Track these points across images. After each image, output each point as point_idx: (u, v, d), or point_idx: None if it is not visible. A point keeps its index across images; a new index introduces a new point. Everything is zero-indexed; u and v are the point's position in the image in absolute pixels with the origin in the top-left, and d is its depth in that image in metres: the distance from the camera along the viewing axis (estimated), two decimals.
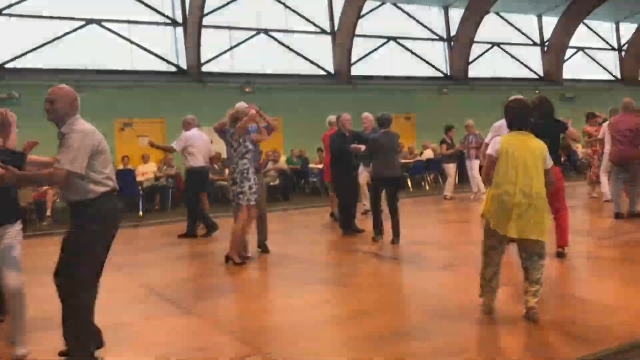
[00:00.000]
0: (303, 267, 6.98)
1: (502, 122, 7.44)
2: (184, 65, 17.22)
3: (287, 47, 18.80)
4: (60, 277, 3.92)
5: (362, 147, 8.78)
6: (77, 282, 3.92)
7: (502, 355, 4.04)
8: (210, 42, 17.39)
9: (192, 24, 16.70)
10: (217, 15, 17.57)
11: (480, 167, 16.99)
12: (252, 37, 18.22)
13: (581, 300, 5.22)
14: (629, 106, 9.62)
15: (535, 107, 6.56)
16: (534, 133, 4.87)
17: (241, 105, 7.73)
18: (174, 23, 17.29)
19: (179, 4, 17.24)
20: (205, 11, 16.62)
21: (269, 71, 18.50)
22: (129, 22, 16.62)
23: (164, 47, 17.24)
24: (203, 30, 16.66)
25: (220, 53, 17.69)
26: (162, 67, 17.15)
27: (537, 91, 20.54)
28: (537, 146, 4.65)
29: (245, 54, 18.24)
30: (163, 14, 17.14)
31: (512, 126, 4.73)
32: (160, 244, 9.22)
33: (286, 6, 18.77)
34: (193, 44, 16.71)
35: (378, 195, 8.46)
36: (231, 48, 17.93)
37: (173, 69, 17.28)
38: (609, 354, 3.91)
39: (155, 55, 16.96)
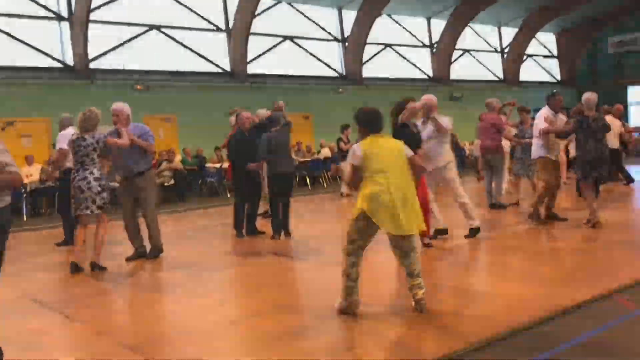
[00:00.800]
0: (197, 270, 6.85)
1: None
2: (70, 62, 16.38)
3: (181, 44, 18.37)
4: None
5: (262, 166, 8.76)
6: None
7: (390, 349, 4.16)
8: (99, 38, 16.65)
9: (78, 19, 15.90)
10: (106, 10, 16.84)
11: None
12: (143, 33, 17.64)
13: (464, 290, 5.48)
14: (490, 105, 10.74)
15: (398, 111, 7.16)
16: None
17: (118, 105, 7.42)
18: (58, 17, 16.40)
19: None
20: (93, 5, 15.88)
21: (162, 69, 17.98)
22: (8, 15, 15.56)
23: (48, 43, 16.29)
24: (91, 26, 15.92)
25: (109, 49, 16.99)
26: (47, 63, 16.21)
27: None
28: (395, 145, 4.95)
29: (137, 51, 17.63)
30: (46, 8, 16.20)
31: (370, 131, 4.90)
32: (44, 249, 8.72)
33: (179, 3, 18.33)
34: (80, 40, 15.93)
35: (277, 193, 8.52)
36: (121, 44, 17.26)
37: (58, 65, 16.39)
38: (490, 342, 4.13)
39: (39, 50, 16.00)
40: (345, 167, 4.79)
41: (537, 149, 8.64)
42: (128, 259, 7.43)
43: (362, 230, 4.77)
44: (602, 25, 28.64)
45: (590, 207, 8.19)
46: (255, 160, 8.67)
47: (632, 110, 27.24)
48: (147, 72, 17.45)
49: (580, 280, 5.59)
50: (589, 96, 8.23)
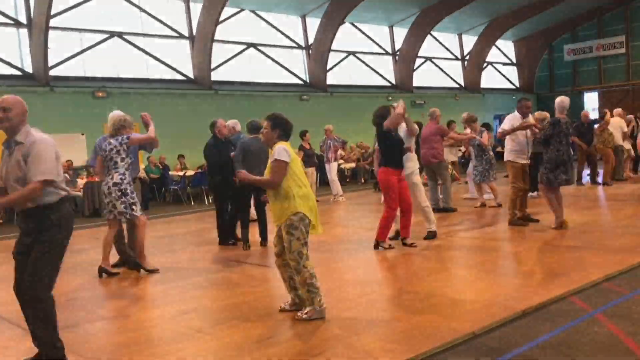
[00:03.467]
0: (163, 278, 6.81)
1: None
2: (29, 69, 16.08)
3: (144, 51, 18.20)
4: (30, 285, 3.94)
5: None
6: (47, 287, 4.00)
7: (358, 353, 4.20)
8: (60, 45, 16.39)
9: (37, 26, 15.63)
10: (66, 16, 16.59)
11: (342, 170, 17.78)
12: (104, 40, 17.42)
13: (426, 295, 5.56)
14: (432, 114, 11.03)
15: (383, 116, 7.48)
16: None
17: (116, 113, 7.45)
18: (17, 24, 16.09)
19: (22, 4, 16.05)
20: (53, 12, 15.62)
21: (124, 76, 17.78)
22: None
23: (7, 50, 15.96)
24: (51, 32, 15.65)
25: (70, 56, 16.73)
26: (5, 70, 15.88)
27: (390, 98, 21.65)
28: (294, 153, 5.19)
29: (99, 58, 17.40)
30: (5, 14, 15.88)
31: (284, 136, 5.10)
32: (4, 258, 8.51)
33: (142, 9, 18.16)
34: (39, 47, 15.65)
35: (248, 202, 8.55)
36: (82, 51, 17.01)
37: (17, 72, 16.07)
38: (452, 345, 4.23)
39: None
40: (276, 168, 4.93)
41: (506, 153, 8.97)
42: (114, 266, 7.34)
43: (308, 230, 4.95)
44: (558, 33, 29.43)
45: (554, 210, 8.44)
46: (232, 170, 8.69)
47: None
48: (108, 80, 17.24)
49: (537, 283, 5.74)
50: (562, 100, 8.56)
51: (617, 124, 14.49)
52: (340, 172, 17.26)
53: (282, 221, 4.91)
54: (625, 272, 5.98)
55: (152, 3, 18.40)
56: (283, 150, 4.92)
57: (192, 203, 15.38)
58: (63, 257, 4.14)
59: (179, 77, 18.98)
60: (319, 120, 17.88)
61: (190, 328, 4.92)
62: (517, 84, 30.61)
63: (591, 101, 28.65)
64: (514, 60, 30.77)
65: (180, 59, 19.01)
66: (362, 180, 19.03)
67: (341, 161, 17.83)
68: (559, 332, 4.41)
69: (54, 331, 4.07)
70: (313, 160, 14.54)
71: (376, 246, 7.71)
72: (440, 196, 11.12)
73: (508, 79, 30.41)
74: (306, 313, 4.91)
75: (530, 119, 9.06)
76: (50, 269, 4.01)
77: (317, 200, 13.78)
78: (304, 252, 4.90)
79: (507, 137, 8.83)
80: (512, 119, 8.82)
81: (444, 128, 11.11)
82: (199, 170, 15.46)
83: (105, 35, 17.42)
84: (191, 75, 19.12)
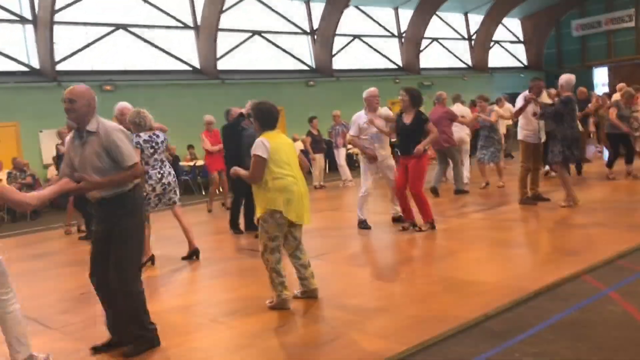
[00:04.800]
0: (176, 268, 6.86)
1: (360, 113, 8.11)
2: (36, 65, 16.12)
3: (149, 42, 18.19)
4: (118, 281, 3.97)
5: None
6: (134, 279, 4.02)
7: (372, 338, 4.23)
8: (66, 40, 16.41)
9: (42, 21, 15.65)
10: (71, 11, 16.58)
11: (350, 156, 17.72)
12: (110, 33, 17.42)
13: (438, 278, 5.57)
14: (439, 97, 10.97)
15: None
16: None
17: (122, 104, 7.57)
18: (22, 20, 16.11)
19: (27, 0, 16.05)
20: (57, 7, 15.64)
21: (130, 68, 17.79)
22: None
23: (13, 46, 16.00)
24: (56, 27, 15.68)
25: (76, 51, 16.75)
26: (12, 67, 15.93)
27: (397, 80, 21.55)
28: (289, 141, 5.15)
29: (105, 52, 17.41)
30: (9, 11, 15.90)
31: (265, 126, 4.98)
32: (16, 256, 8.61)
33: (145, 1, 18.12)
34: (45, 42, 15.68)
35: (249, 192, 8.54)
36: (87, 45, 17.03)
37: (24, 68, 16.12)
38: (465, 327, 4.24)
39: (3, 54, 15.70)
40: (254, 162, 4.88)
41: (518, 132, 9.04)
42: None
43: (280, 224, 4.89)
44: (565, 9, 29.05)
45: (567, 188, 8.39)
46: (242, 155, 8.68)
47: (599, 91, 27.71)
48: (115, 72, 17.25)
49: (549, 263, 5.73)
50: (569, 77, 8.45)
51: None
52: (349, 157, 17.21)
53: (259, 214, 4.95)
54: (638, 249, 5.95)
55: None
56: (260, 143, 4.87)
57: (203, 193, 15.43)
58: (143, 244, 4.18)
59: (185, 67, 18.96)
60: (326, 105, 17.83)
61: (204, 318, 4.97)
62: (525, 62, 30.32)
63: (601, 76, 28.33)
64: (522, 38, 30.44)
65: (185, 50, 18.99)
66: None
67: (349, 146, 17.78)
68: (571, 311, 4.40)
69: (142, 324, 4.15)
70: (321, 146, 14.56)
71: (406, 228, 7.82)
72: (444, 178, 11.20)
73: (516, 57, 30.12)
74: (270, 302, 5.01)
75: (544, 97, 9.00)
76: (132, 259, 4.07)
77: (323, 186, 14.01)
78: (270, 245, 4.92)
79: (520, 117, 8.84)
80: (522, 100, 8.78)
81: (452, 112, 10.88)
82: None
83: (111, 28, 17.41)
84: (197, 66, 19.10)
